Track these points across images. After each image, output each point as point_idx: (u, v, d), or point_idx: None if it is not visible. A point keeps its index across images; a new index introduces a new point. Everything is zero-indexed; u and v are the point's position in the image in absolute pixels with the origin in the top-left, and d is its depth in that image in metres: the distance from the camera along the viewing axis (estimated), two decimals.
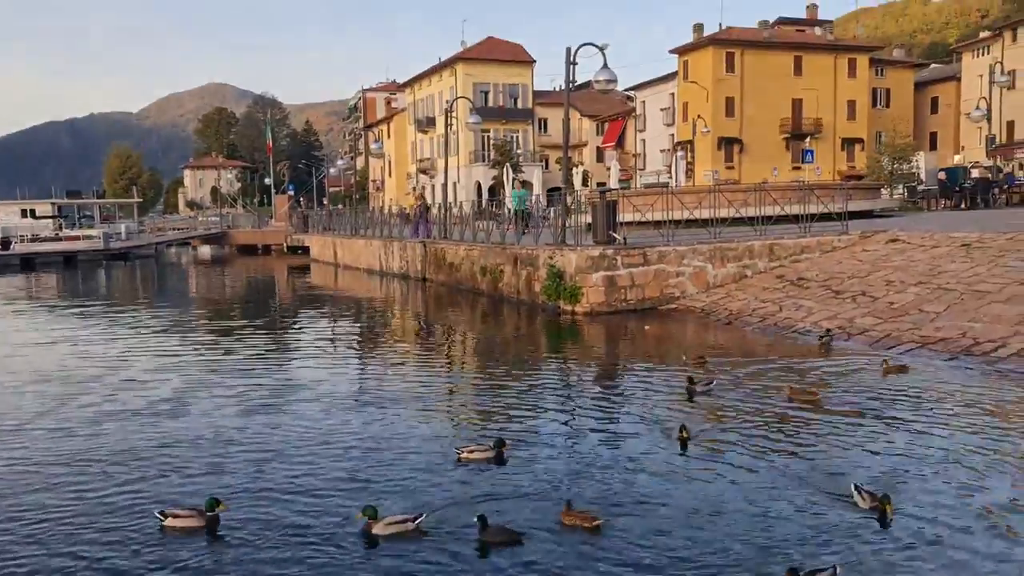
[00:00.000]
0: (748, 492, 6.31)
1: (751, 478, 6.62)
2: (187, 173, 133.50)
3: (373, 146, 39.60)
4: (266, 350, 14.80)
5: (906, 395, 8.97)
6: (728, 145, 58.13)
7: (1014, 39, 55.30)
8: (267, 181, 68.15)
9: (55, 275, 37.88)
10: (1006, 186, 29.67)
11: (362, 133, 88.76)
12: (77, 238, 48.32)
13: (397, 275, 28.08)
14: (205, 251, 50.52)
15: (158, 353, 14.14)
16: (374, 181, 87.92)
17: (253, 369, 12.61)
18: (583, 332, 15.25)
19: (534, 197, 27.52)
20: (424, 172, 69.38)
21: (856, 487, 5.94)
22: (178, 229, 63.64)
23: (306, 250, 43.55)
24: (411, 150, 75.10)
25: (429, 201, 31.73)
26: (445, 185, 28.40)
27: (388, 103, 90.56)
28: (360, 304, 23.23)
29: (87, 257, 45.76)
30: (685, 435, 7.49)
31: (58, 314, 22.06)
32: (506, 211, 24.37)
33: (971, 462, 6.73)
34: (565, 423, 8.78)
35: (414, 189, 27.52)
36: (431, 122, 67.96)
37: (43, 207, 53.34)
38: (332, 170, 63.79)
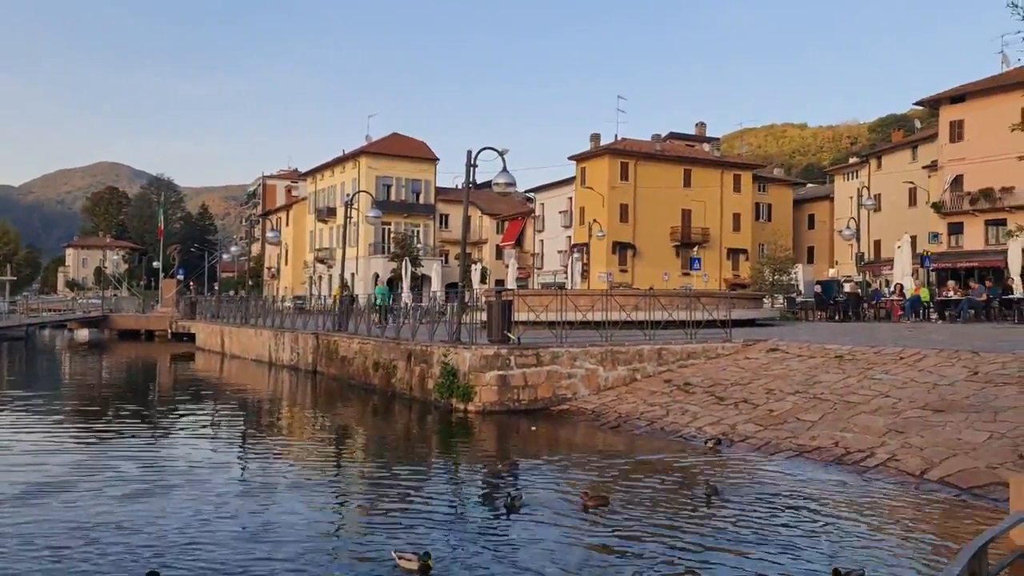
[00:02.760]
0: None
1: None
2: (70, 252, 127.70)
3: (270, 234, 39.11)
4: (139, 440, 13.92)
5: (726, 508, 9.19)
6: (622, 249, 60.37)
7: (879, 166, 60.52)
8: (155, 264, 65.76)
9: None
10: (873, 301, 31.75)
11: (260, 219, 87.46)
12: None
13: (287, 367, 27.30)
14: (83, 334, 47.73)
15: (16, 440, 13.07)
16: (269, 268, 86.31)
17: (124, 457, 11.83)
18: (474, 431, 15.09)
19: (432, 292, 27.59)
20: (322, 261, 68.71)
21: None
22: (54, 310, 60.22)
23: (192, 337, 41.89)
24: (310, 239, 74.50)
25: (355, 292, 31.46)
26: (342, 276, 28.12)
27: (288, 191, 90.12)
28: (245, 395, 22.34)
29: None
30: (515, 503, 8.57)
31: None
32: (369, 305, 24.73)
33: None
34: (448, 524, 8.55)
35: (341, 277, 26.83)
36: (331, 212, 67.87)
37: None
38: (226, 256, 62.24)
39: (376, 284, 46.95)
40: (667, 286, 50.72)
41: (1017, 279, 26.01)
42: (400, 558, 6.93)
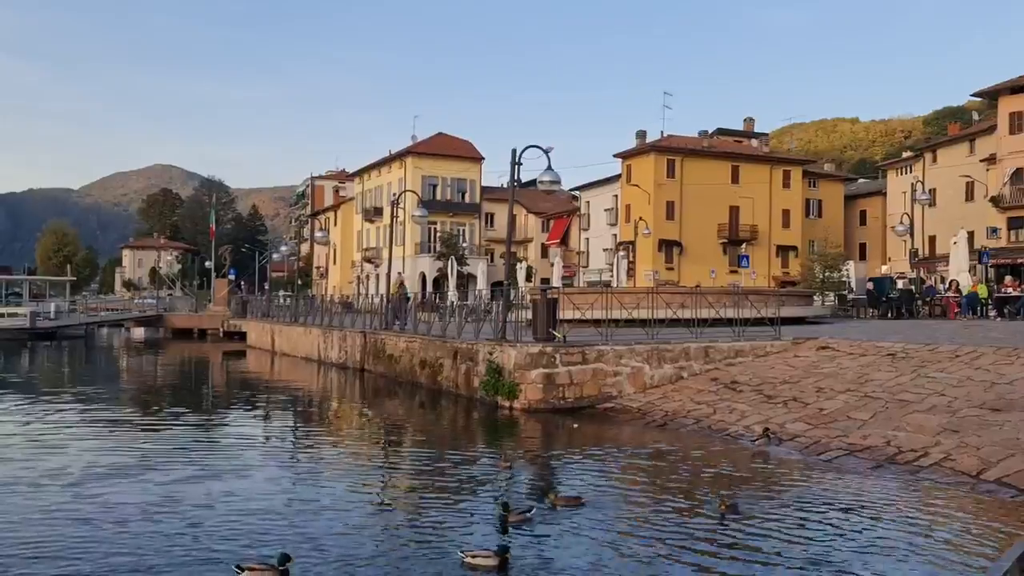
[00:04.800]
0: None
1: None
2: (126, 253, 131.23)
3: (318, 235, 39.70)
4: (195, 436, 14.31)
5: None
6: (668, 247, 59.86)
7: (934, 160, 58.96)
8: (207, 264, 67.26)
9: None
10: (928, 298, 30.98)
11: (308, 219, 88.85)
12: (1, 315, 46.63)
13: (335, 365, 27.69)
14: (139, 333, 49.08)
15: (76, 436, 13.54)
16: (318, 268, 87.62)
17: (182, 447, 12.26)
18: (519, 428, 15.15)
19: (477, 291, 27.77)
20: (369, 261, 69.49)
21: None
22: (112, 310, 61.96)
23: (243, 336, 42.74)
24: (357, 238, 75.38)
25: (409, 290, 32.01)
26: (389, 275, 28.42)
27: (336, 191, 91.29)
28: (296, 391, 22.76)
29: (10, 336, 44.02)
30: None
31: None
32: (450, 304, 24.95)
33: None
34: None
35: (399, 275, 27.45)
36: (379, 212, 68.55)
37: None
38: (275, 255, 63.39)
39: (415, 283, 47.35)
40: (714, 284, 50.17)
41: None
42: (473, 557, 6.83)
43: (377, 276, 62.77)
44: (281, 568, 6.44)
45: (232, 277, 64.00)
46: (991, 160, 50.13)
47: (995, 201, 47.63)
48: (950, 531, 7.88)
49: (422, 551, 7.39)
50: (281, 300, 47.43)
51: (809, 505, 8.95)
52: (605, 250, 64.69)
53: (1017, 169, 46.48)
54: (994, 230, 47.82)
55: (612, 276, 53.75)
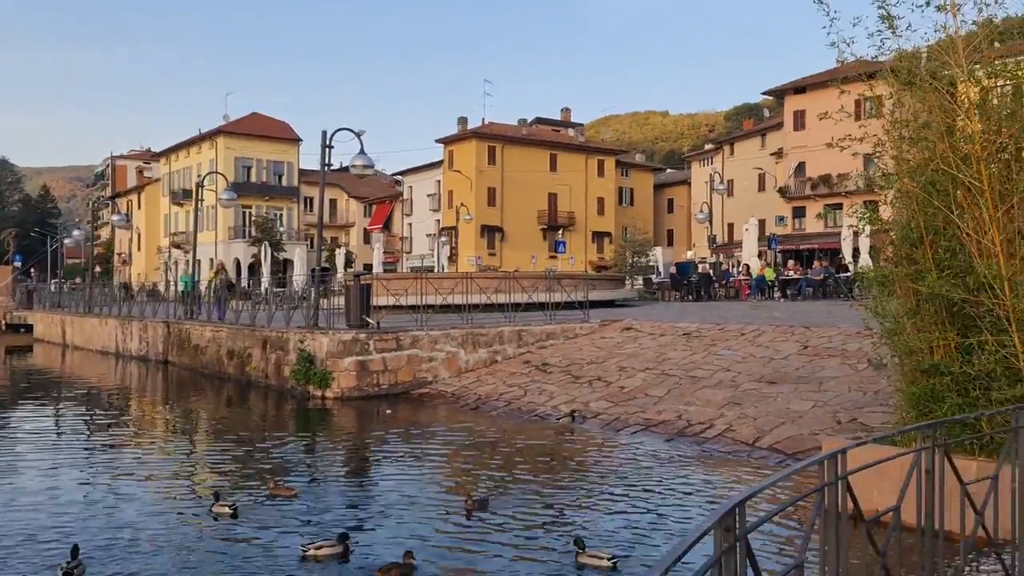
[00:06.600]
0: None
1: None
2: None
3: (115, 218, 36.67)
4: None
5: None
6: (490, 233, 60.80)
7: (732, 153, 63.63)
8: None
9: None
10: (723, 281, 33.44)
11: (108, 202, 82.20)
12: None
13: (136, 357, 25.86)
14: None
15: None
16: (120, 254, 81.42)
17: None
18: (332, 417, 14.84)
19: (290, 277, 26.86)
20: (178, 246, 65.44)
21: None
22: None
23: (30, 328, 38.95)
24: (164, 222, 70.77)
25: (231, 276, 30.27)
26: (193, 261, 26.87)
27: (140, 172, 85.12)
28: (89, 387, 20.98)
29: None
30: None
31: None
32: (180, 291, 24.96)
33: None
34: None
35: (211, 261, 25.73)
36: (187, 194, 64.39)
37: None
38: (68, 241, 58.21)
39: (231, 269, 45.29)
40: (534, 269, 51.55)
41: (850, 259, 28.05)
42: (318, 548, 6.69)
43: (187, 262, 59.24)
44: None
45: (18, 264, 58.01)
46: (779, 154, 54.84)
47: (782, 192, 52.16)
48: (706, 495, 8.52)
49: (251, 550, 7.06)
50: (69, 289, 43.65)
51: (591, 476, 9.39)
52: (428, 236, 64.71)
53: (800, 163, 51.10)
54: (781, 218, 52.42)
55: (435, 262, 53.90)
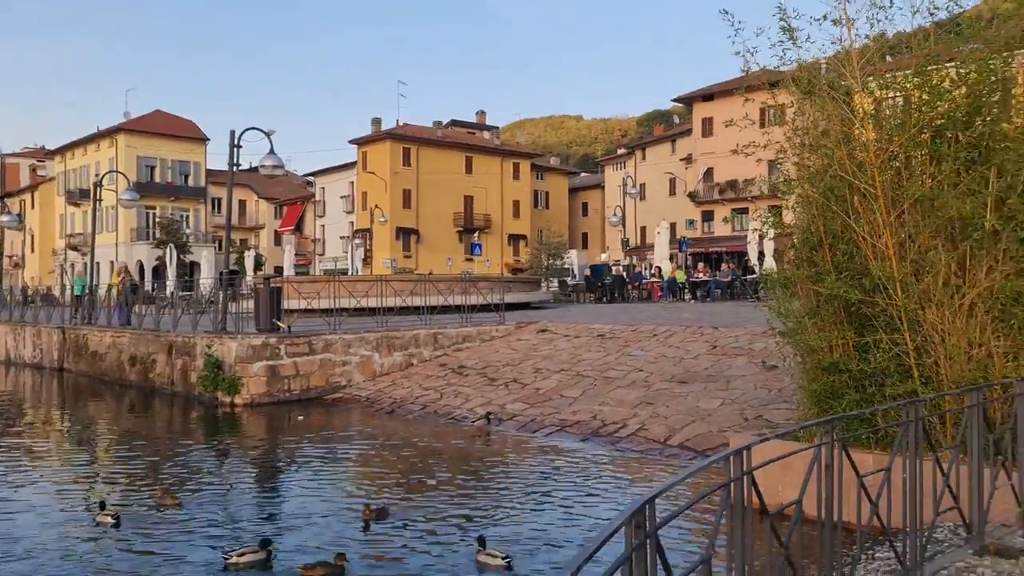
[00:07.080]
0: None
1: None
2: None
3: (5, 218, 34.75)
4: None
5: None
6: (406, 235, 60.38)
7: (644, 157, 65.04)
8: None
9: None
10: (636, 283, 34.14)
11: None
12: None
13: (29, 365, 24.57)
14: None
15: None
16: (11, 256, 77.19)
17: None
18: (240, 423, 14.42)
19: (196, 280, 26.03)
20: (75, 248, 62.52)
21: None
22: None
23: None
24: (60, 223, 67.49)
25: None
26: (91, 265, 25.75)
27: (33, 170, 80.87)
28: None
29: None
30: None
31: None
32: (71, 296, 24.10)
33: None
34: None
35: (112, 264, 24.34)
36: (85, 194, 61.68)
37: None
38: None
39: (133, 272, 43.51)
40: (451, 271, 51.41)
41: (755, 261, 29.05)
42: (240, 556, 6.57)
43: (85, 265, 56.62)
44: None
45: None
46: (689, 159, 56.36)
47: (692, 196, 53.64)
48: (619, 494, 8.68)
49: (161, 561, 6.78)
50: None
51: (505, 478, 9.44)
52: (342, 238, 63.75)
53: (709, 168, 52.67)
54: (691, 222, 53.91)
55: (349, 264, 53.10)
